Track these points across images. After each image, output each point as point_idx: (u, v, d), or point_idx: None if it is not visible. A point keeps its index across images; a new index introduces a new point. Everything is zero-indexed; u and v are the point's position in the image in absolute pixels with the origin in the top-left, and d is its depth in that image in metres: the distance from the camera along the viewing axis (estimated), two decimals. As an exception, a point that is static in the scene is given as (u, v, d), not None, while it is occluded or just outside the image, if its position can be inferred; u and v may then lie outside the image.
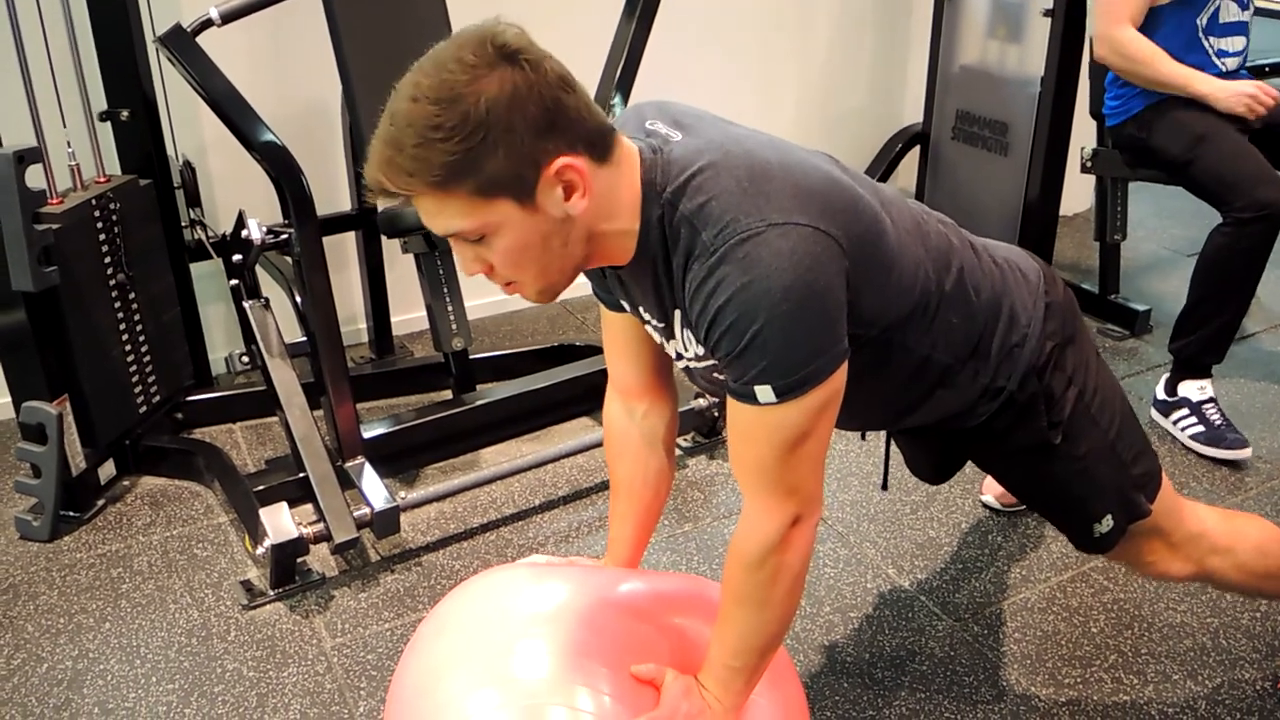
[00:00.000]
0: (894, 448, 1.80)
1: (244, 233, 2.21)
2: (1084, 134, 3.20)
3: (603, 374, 2.61)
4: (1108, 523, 1.53)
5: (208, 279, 2.81)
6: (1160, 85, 2.61)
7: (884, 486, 1.86)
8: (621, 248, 1.23)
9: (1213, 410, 2.59)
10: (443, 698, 1.29)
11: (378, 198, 1.14)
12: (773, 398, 1.17)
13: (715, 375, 1.33)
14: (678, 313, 1.26)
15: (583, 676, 1.28)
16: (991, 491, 2.39)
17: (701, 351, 1.26)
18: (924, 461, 1.70)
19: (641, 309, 1.34)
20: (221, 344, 2.95)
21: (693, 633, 1.43)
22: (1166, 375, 2.68)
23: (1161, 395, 2.68)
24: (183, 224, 2.65)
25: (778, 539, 1.24)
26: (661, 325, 1.32)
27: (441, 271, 2.50)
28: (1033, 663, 1.96)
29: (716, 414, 2.58)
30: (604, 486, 2.49)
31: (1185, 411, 2.61)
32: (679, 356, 1.35)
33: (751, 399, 1.18)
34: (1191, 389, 2.62)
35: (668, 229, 1.19)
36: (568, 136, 1.12)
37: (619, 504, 1.58)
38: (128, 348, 2.46)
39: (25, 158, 2.07)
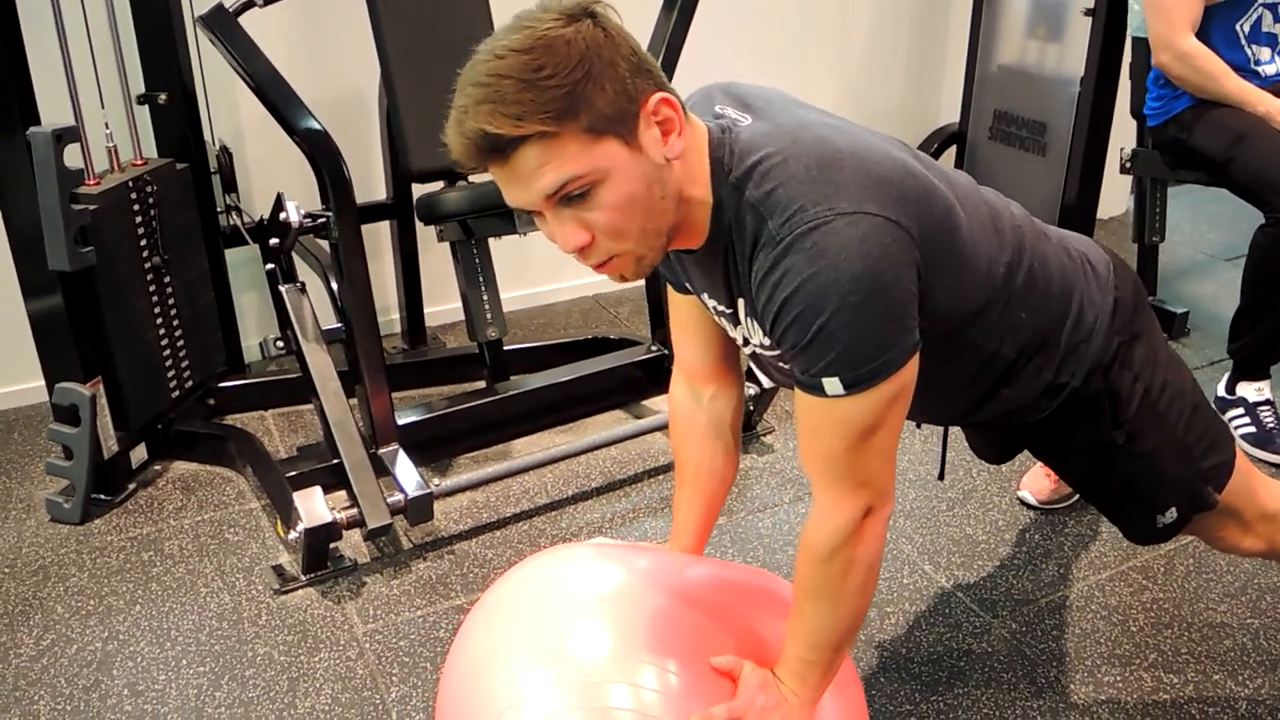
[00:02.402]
0: (955, 431, 1.77)
1: (282, 215, 2.20)
2: (1123, 134, 3.16)
3: (636, 367, 2.66)
4: (1171, 515, 1.50)
5: (242, 265, 2.81)
6: (1221, 99, 2.58)
7: (940, 476, 1.84)
8: (699, 222, 1.20)
9: (1267, 413, 2.56)
10: (499, 678, 1.27)
11: (473, 159, 1.09)
12: (840, 390, 1.14)
13: (782, 365, 1.30)
14: (742, 301, 1.24)
15: (650, 659, 1.26)
16: (1029, 488, 2.36)
17: (768, 341, 1.24)
18: (986, 445, 1.68)
19: (707, 295, 1.32)
20: (254, 331, 2.95)
21: (760, 625, 1.40)
22: (1229, 373, 2.66)
23: (1221, 392, 2.66)
24: (218, 209, 2.65)
25: (848, 532, 1.21)
26: (728, 312, 1.30)
27: (477, 260, 2.49)
28: (1071, 661, 1.93)
29: (752, 407, 2.56)
30: (637, 479, 2.47)
31: (1240, 411, 2.59)
32: (746, 342, 1.33)
33: (819, 391, 1.15)
34: (1249, 390, 2.60)
35: (733, 214, 1.17)
36: (655, 79, 1.11)
37: (684, 489, 1.56)
38: (162, 332, 2.46)
39: (63, 137, 2.07)
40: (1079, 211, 3.24)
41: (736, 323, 1.29)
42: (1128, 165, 3.02)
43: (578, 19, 1.07)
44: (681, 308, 1.45)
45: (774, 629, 1.37)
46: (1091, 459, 1.51)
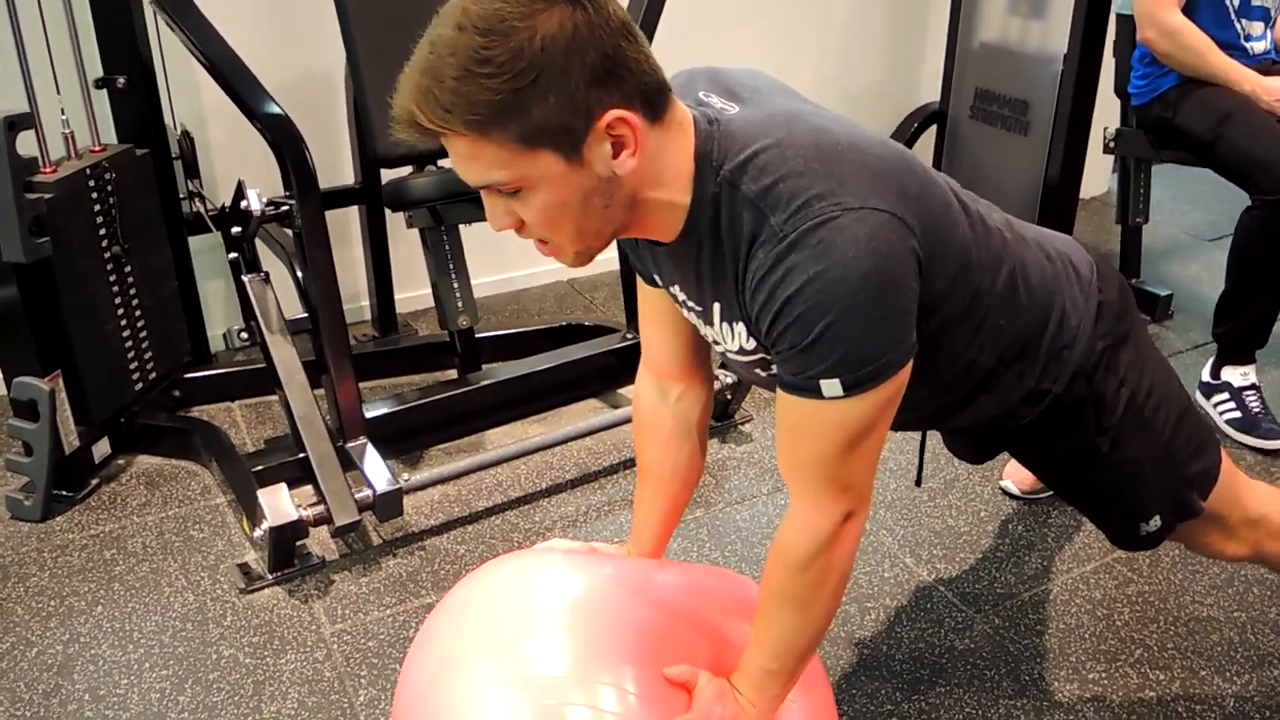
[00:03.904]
0: (933, 433, 1.71)
1: (243, 204, 2.13)
2: (1106, 114, 3.12)
3: (612, 355, 2.61)
4: (1155, 523, 1.46)
5: (206, 253, 2.73)
6: (1206, 76, 2.53)
7: (918, 482, 1.79)
8: (666, 221, 1.14)
9: (1253, 398, 2.53)
10: (457, 694, 1.22)
11: (406, 133, 1.03)
12: (839, 392, 1.09)
13: (758, 371, 1.24)
14: (717, 305, 1.18)
15: (608, 674, 1.22)
16: (1012, 478, 2.32)
17: (749, 345, 1.17)
18: (964, 445, 1.63)
19: (678, 288, 1.26)
20: (220, 320, 2.88)
21: (724, 630, 1.36)
22: (1213, 358, 2.62)
23: (1206, 377, 2.62)
24: (180, 196, 2.57)
25: (828, 538, 1.17)
26: (699, 310, 1.24)
27: (447, 247, 2.43)
28: (1056, 656, 1.89)
29: (730, 396, 2.50)
30: (613, 470, 2.42)
31: (1225, 396, 2.56)
32: (716, 343, 1.27)
33: (815, 393, 1.10)
34: (1234, 374, 2.56)
35: (723, 210, 1.10)
36: (624, 89, 1.02)
37: (646, 489, 1.50)
38: (123, 323, 2.38)
39: (16, 124, 2.00)
40: (1061, 192, 3.19)
41: (708, 323, 1.23)
42: (1111, 145, 2.98)
43: (559, 1, 0.98)
44: (651, 301, 1.39)
45: (737, 633, 1.34)
46: (1074, 465, 1.46)
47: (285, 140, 2.06)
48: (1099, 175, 3.97)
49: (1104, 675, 1.85)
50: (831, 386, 1.09)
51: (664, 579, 1.41)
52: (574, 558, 1.41)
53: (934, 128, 3.60)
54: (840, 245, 1.03)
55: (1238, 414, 2.52)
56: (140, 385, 2.46)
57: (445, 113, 0.99)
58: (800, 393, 1.11)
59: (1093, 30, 2.96)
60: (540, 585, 1.34)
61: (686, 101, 1.14)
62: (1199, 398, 2.62)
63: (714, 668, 1.29)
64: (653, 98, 1.05)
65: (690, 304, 1.25)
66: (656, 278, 1.31)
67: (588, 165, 1.04)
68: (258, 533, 2.04)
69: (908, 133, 3.59)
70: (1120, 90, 2.88)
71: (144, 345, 2.46)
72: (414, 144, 1.05)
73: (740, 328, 1.17)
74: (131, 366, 2.43)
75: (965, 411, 1.38)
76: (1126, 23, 2.79)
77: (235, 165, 2.72)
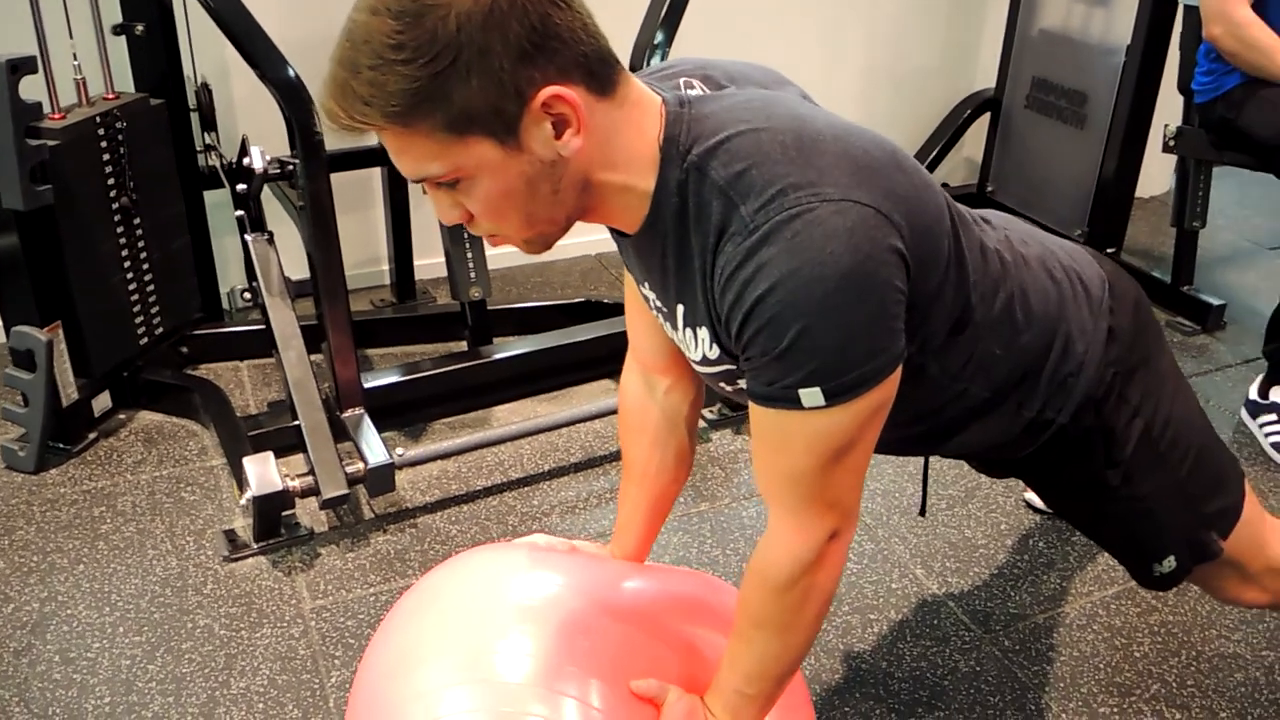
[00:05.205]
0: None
1: (246, 160, 2.06)
2: (1168, 110, 2.96)
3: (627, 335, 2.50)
4: (1170, 564, 1.34)
5: (225, 208, 2.67)
6: (1273, 77, 2.38)
7: (922, 512, 1.67)
8: (628, 208, 1.04)
9: None
10: (414, 688, 1.16)
11: (338, 129, 0.96)
12: (821, 401, 0.98)
13: (723, 385, 1.14)
14: (681, 308, 1.08)
15: (572, 685, 1.14)
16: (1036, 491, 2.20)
17: (712, 354, 1.07)
18: (975, 463, 1.52)
19: (647, 286, 1.16)
20: (237, 277, 2.82)
21: (701, 643, 1.28)
22: (1262, 375, 2.48)
23: (1254, 396, 2.48)
24: (197, 149, 2.52)
25: (811, 558, 1.07)
26: (665, 311, 1.14)
27: (461, 216, 2.34)
28: (1066, 686, 1.78)
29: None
30: (619, 456, 2.32)
31: (1273, 417, 2.41)
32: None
33: (793, 403, 0.99)
34: None
35: (691, 199, 0.99)
36: (558, 61, 0.93)
37: (630, 487, 1.41)
38: (129, 276, 2.33)
39: (19, 67, 1.95)
40: (1116, 190, 3.05)
41: (674, 327, 1.13)
42: (1171, 144, 2.82)
43: None
44: (634, 292, 1.30)
45: (714, 647, 1.25)
46: (1081, 499, 1.35)
47: (291, 100, 1.98)
48: (1161, 173, 3.80)
49: (1116, 710, 1.74)
50: (812, 396, 0.98)
51: (642, 585, 1.34)
52: (551, 556, 1.33)
53: (987, 116, 3.45)
54: (817, 240, 0.92)
55: None
56: (145, 340, 2.42)
57: (365, 106, 0.91)
58: (776, 404, 1.01)
59: (1158, 21, 2.83)
60: (512, 584, 1.27)
61: (664, 88, 1.05)
62: (1244, 416, 2.48)
63: (687, 683, 1.21)
64: (595, 69, 0.96)
65: (658, 304, 1.15)
66: (628, 268, 1.22)
67: (527, 149, 0.95)
68: (243, 500, 1.99)
69: (959, 120, 3.45)
70: (1184, 86, 2.73)
71: (151, 300, 2.40)
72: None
73: (704, 333, 1.07)
74: (137, 321, 2.38)
75: (957, 438, 1.27)
76: (1193, 15, 2.63)
77: (257, 120, 2.65)
